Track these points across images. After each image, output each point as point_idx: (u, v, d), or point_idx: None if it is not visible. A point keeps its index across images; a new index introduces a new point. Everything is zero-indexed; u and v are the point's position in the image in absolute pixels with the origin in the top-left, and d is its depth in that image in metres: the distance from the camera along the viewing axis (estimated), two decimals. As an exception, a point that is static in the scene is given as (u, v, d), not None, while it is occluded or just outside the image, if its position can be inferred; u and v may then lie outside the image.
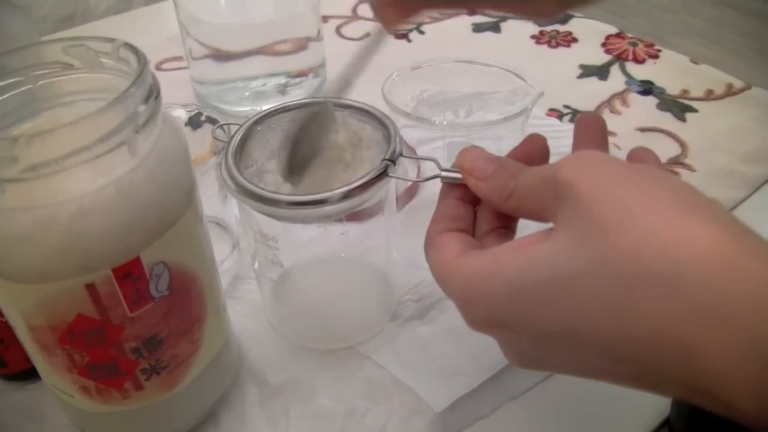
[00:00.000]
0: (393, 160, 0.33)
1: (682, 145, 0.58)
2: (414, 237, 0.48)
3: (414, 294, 0.44)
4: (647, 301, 0.21)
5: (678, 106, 0.63)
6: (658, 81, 0.67)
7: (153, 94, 0.27)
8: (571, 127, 0.33)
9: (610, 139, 0.58)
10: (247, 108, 0.63)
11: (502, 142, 0.41)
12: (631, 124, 0.61)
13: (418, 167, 0.45)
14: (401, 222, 0.48)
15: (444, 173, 0.31)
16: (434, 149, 0.45)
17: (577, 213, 0.23)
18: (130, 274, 0.27)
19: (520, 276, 0.24)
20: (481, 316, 0.26)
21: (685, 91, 0.65)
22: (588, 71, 0.69)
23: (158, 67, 0.72)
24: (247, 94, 0.63)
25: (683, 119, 0.61)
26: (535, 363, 0.27)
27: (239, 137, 0.35)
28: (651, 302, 0.21)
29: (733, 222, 0.21)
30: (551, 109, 0.63)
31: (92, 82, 0.30)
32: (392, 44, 0.74)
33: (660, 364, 0.21)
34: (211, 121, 0.45)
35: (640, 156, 0.29)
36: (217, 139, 0.36)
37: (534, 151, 0.31)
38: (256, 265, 0.41)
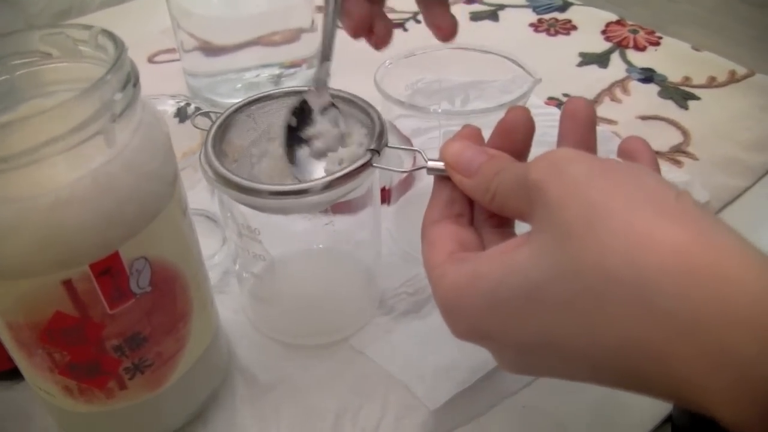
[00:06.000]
0: (378, 150, 0.32)
1: (684, 133, 0.57)
2: (409, 229, 0.47)
3: (409, 287, 0.43)
4: (616, 310, 0.20)
5: (680, 94, 0.62)
6: (660, 68, 0.65)
7: (131, 81, 0.26)
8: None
9: (611, 128, 0.57)
10: (240, 100, 0.62)
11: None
12: (632, 112, 0.60)
13: (414, 158, 0.44)
14: (396, 214, 0.47)
15: (431, 164, 0.30)
16: (430, 139, 0.44)
17: (547, 217, 0.22)
18: (108, 269, 0.26)
19: (497, 288, 0.23)
20: (464, 327, 0.26)
21: (687, 79, 0.64)
22: (588, 59, 0.68)
23: (151, 60, 0.71)
24: (240, 85, 0.62)
25: (685, 107, 0.60)
26: (524, 370, 0.26)
27: (220, 126, 0.34)
28: (620, 311, 0.20)
29: (704, 221, 0.20)
30: (550, 98, 0.62)
31: (73, 71, 0.29)
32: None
33: (638, 372, 0.21)
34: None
35: (632, 146, 0.28)
36: (197, 127, 0.35)
37: (514, 125, 0.29)
38: (236, 267, 0.40)
